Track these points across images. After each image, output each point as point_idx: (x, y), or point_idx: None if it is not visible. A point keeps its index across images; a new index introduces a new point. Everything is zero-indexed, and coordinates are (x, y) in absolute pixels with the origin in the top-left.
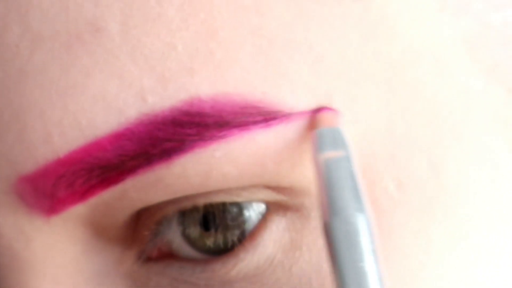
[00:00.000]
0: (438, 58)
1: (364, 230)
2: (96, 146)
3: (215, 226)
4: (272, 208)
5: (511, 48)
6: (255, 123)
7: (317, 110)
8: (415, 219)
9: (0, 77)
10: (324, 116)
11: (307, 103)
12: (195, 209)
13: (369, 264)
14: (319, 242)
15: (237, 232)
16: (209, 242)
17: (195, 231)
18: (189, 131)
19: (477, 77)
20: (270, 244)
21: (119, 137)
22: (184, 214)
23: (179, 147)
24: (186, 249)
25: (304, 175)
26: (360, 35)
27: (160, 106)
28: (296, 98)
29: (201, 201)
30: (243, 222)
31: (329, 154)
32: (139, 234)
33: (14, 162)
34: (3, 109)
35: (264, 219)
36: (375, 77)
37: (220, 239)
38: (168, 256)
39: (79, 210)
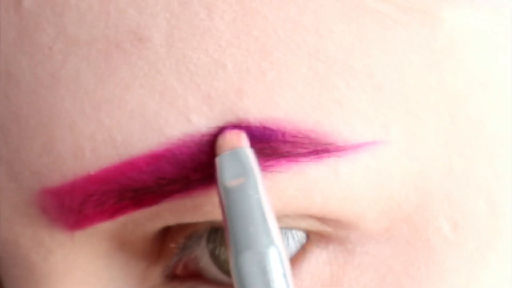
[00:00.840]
0: (505, 91)
1: (277, 265)
2: (131, 166)
3: None
4: (313, 238)
5: None
6: (305, 154)
7: (222, 133)
8: (468, 264)
9: (28, 80)
10: (225, 139)
11: (362, 134)
12: None
13: None
14: (363, 280)
15: None
16: None
17: (225, 252)
18: None
19: None
20: (308, 277)
21: (158, 158)
22: (217, 232)
23: None
24: (213, 270)
25: (353, 209)
26: (424, 62)
27: (205, 127)
28: (350, 129)
29: None
30: None
31: (230, 183)
32: (167, 247)
33: (39, 173)
34: (29, 115)
35: (303, 249)
36: (438, 108)
37: None
38: (195, 275)
39: (105, 225)
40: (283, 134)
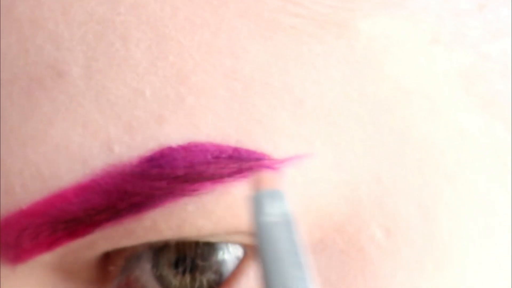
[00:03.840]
0: (429, 96)
1: None
2: (60, 198)
3: (189, 267)
4: (250, 252)
5: (511, 79)
6: (229, 174)
7: (259, 171)
8: (404, 271)
9: None
10: (264, 177)
11: (285, 150)
12: (167, 246)
13: None
14: None
15: (212, 276)
16: (176, 282)
17: (165, 269)
18: (158, 184)
19: (473, 113)
20: None
21: (85, 189)
22: (157, 252)
23: (149, 201)
24: (155, 287)
25: None
26: (343, 75)
27: (127, 157)
28: (273, 146)
29: (173, 240)
30: (218, 264)
31: (268, 219)
32: (108, 271)
33: None
34: None
35: (241, 263)
36: (361, 119)
37: (188, 281)
38: None
39: (46, 257)
40: (206, 156)
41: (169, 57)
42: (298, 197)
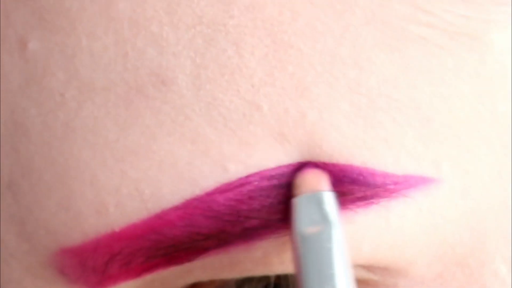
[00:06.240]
0: None
1: None
2: (162, 221)
3: None
4: (360, 286)
5: None
6: (353, 200)
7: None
8: None
9: (39, 131)
10: (305, 178)
11: (412, 173)
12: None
13: None
14: None
15: None
16: None
17: None
18: (280, 207)
19: None
20: None
21: (193, 211)
22: (245, 281)
23: (265, 226)
24: None
25: (403, 255)
26: (474, 91)
27: (244, 176)
28: (400, 168)
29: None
30: None
31: (307, 230)
32: None
33: (56, 232)
34: (43, 169)
35: None
36: (490, 141)
37: None
38: None
39: (129, 284)
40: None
41: (287, 66)
42: (423, 226)
